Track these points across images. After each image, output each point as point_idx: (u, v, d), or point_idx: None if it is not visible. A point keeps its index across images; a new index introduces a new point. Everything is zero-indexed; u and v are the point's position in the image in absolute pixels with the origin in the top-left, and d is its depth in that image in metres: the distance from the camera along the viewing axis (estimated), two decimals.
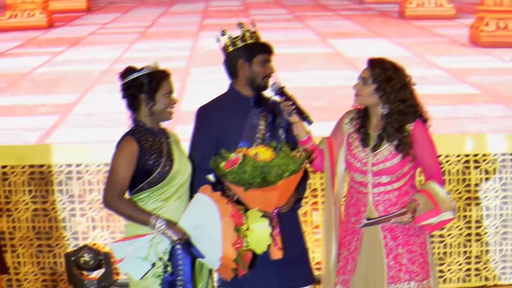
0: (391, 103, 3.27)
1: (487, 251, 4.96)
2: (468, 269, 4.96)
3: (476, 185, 4.86)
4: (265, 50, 3.38)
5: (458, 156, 4.83)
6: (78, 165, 4.86)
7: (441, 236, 4.92)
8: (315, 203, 4.92)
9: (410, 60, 7.78)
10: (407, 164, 3.30)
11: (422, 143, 3.29)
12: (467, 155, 4.83)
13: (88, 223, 4.95)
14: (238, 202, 3.19)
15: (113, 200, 3.16)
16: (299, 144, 3.34)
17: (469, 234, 4.92)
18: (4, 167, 4.89)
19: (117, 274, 4.87)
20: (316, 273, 3.55)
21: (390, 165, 3.28)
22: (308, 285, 3.47)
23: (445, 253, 4.95)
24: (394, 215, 3.24)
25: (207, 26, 9.34)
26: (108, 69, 7.91)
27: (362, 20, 9.54)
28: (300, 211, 3.48)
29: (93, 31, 9.80)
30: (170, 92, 3.25)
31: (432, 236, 3.60)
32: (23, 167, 4.89)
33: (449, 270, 4.92)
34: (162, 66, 3.28)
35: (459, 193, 4.91)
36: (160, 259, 3.15)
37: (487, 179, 4.87)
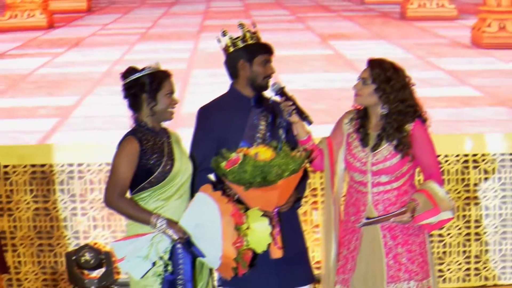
0: (390, 103, 3.32)
1: (486, 251, 5.00)
2: (468, 269, 5.00)
3: (475, 185, 4.91)
4: (266, 50, 3.43)
5: (457, 156, 4.88)
6: (79, 165, 4.91)
7: (440, 235, 4.95)
8: (314, 202, 4.96)
9: (411, 62, 7.79)
10: (406, 164, 3.34)
11: (421, 143, 3.34)
12: (466, 155, 4.88)
13: (89, 222, 4.99)
14: (239, 201, 3.23)
15: (114, 199, 3.20)
16: (299, 144, 3.38)
17: (468, 234, 4.96)
18: (5, 166, 4.93)
19: (118, 273, 4.91)
20: (316, 272, 3.58)
21: (390, 164, 3.33)
22: (308, 284, 3.50)
23: (444, 252, 4.99)
24: (394, 215, 3.28)
25: (208, 27, 9.36)
26: (109, 70, 7.93)
27: (363, 21, 9.54)
28: (300, 210, 3.52)
29: (93, 32, 9.80)
30: (171, 92, 3.30)
31: (431, 235, 3.63)
32: (25, 166, 4.93)
33: (448, 269, 4.96)
34: (162, 68, 3.33)
35: (458, 192, 4.95)
36: (161, 258, 3.18)
37: (486, 179, 4.91)
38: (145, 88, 3.25)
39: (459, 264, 4.97)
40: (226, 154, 3.23)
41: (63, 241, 5.02)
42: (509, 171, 4.93)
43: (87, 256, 4.75)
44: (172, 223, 3.18)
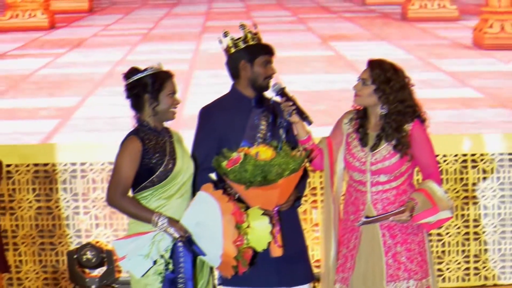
0: (390, 104, 3.36)
1: (485, 250, 5.04)
2: (467, 268, 5.04)
3: (474, 184, 4.96)
4: (267, 51, 3.48)
5: (456, 155, 4.92)
6: (82, 164, 4.95)
7: (439, 235, 5.00)
8: (314, 201, 5.00)
9: (412, 63, 7.79)
10: (405, 164, 3.39)
11: (420, 143, 3.38)
12: (464, 155, 4.92)
13: (91, 221, 5.03)
14: (239, 200, 3.28)
15: (116, 198, 3.25)
16: (299, 144, 3.43)
17: (467, 233, 5.00)
18: (8, 165, 4.97)
19: (119, 272, 4.95)
20: (315, 270, 3.62)
21: (389, 164, 3.37)
22: (308, 283, 3.54)
23: (443, 251, 5.03)
24: (393, 214, 3.32)
25: (209, 28, 9.38)
26: (110, 71, 7.94)
27: (364, 22, 9.54)
28: (300, 209, 3.56)
29: (95, 32, 9.80)
30: (174, 92, 3.34)
31: (430, 234, 3.67)
32: (28, 165, 4.98)
33: (448, 269, 5.00)
34: (165, 68, 3.37)
35: (457, 192, 4.99)
36: (162, 256, 3.22)
37: (484, 178, 4.96)
38: (147, 88, 3.30)
39: (458, 263, 5.01)
40: (227, 154, 3.28)
41: (65, 240, 5.07)
42: (507, 171, 4.97)
43: (89, 254, 4.79)
44: (173, 222, 3.22)
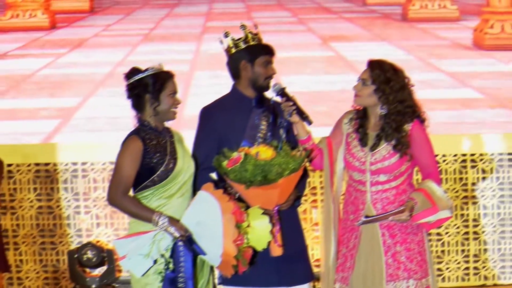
0: (389, 104, 3.39)
1: (485, 250, 5.06)
2: (467, 268, 5.06)
3: (473, 184, 4.98)
4: (267, 51, 3.50)
5: (455, 155, 4.94)
6: (83, 163, 4.98)
7: (438, 234, 5.02)
8: (314, 201, 5.03)
9: (412, 64, 7.80)
10: (405, 163, 3.41)
11: (420, 143, 3.40)
12: (464, 155, 4.94)
13: (92, 220, 5.06)
14: (240, 199, 3.30)
15: (117, 197, 3.27)
16: (299, 144, 3.46)
17: (466, 233, 5.02)
18: (9, 165, 4.99)
19: (120, 271, 4.98)
20: (315, 270, 3.64)
21: (388, 164, 3.40)
22: (308, 282, 3.55)
23: (443, 251, 5.05)
24: (392, 213, 3.34)
25: (210, 29, 9.39)
26: (111, 72, 7.95)
27: (365, 23, 9.55)
28: (300, 209, 3.58)
29: (96, 33, 9.81)
30: (174, 92, 3.37)
31: (429, 234, 3.69)
32: (29, 165, 5.00)
33: (447, 268, 5.02)
34: (165, 69, 3.39)
35: (456, 192, 5.02)
36: (162, 256, 3.24)
37: (484, 178, 4.98)
38: (148, 88, 3.32)
39: (458, 263, 5.03)
40: (228, 153, 3.30)
41: (65, 239, 5.09)
42: (507, 171, 4.99)
43: (89, 254, 4.80)
44: (173, 221, 3.24)
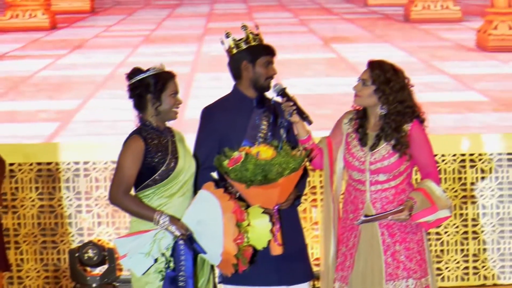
0: (389, 104, 3.45)
1: (484, 250, 5.12)
2: (466, 268, 5.12)
3: (472, 184, 5.04)
4: (268, 52, 3.57)
5: (454, 155, 5.01)
6: (85, 163, 5.04)
7: (438, 233, 5.08)
8: (314, 200, 5.09)
9: (414, 66, 7.77)
10: (404, 163, 3.47)
11: (419, 143, 3.46)
12: (463, 155, 5.01)
13: (93, 219, 5.12)
14: (240, 198, 3.36)
15: (118, 196, 3.33)
16: (299, 143, 3.52)
17: (465, 232, 5.08)
18: (11, 164, 5.06)
19: (120, 270, 5.03)
20: (315, 269, 3.70)
21: (388, 164, 3.46)
22: (307, 281, 3.61)
23: (442, 250, 5.10)
24: (391, 213, 3.40)
25: (211, 30, 9.39)
26: (112, 73, 7.95)
27: (366, 24, 9.53)
28: (300, 208, 3.64)
29: (97, 33, 9.78)
30: (176, 92, 3.43)
31: (429, 233, 3.73)
32: (31, 164, 5.06)
33: (447, 268, 5.07)
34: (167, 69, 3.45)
35: (455, 191, 5.08)
36: (163, 254, 3.29)
37: (483, 178, 5.05)
38: (150, 88, 3.38)
39: (457, 262, 5.08)
40: (229, 153, 3.37)
41: (67, 238, 5.14)
42: (506, 171, 5.05)
43: (90, 253, 4.85)
44: (174, 220, 3.29)
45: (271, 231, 3.34)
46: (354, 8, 10.06)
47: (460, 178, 5.08)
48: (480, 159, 5.04)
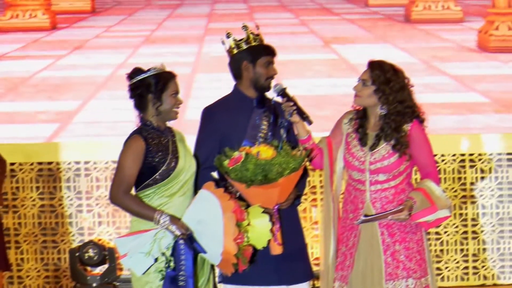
0: (389, 104, 3.47)
1: (484, 250, 5.14)
2: (466, 267, 5.14)
3: (472, 184, 5.07)
4: (269, 52, 3.60)
5: (454, 155, 5.03)
6: (86, 162, 5.06)
7: (437, 233, 5.10)
8: (314, 199, 5.12)
9: (415, 67, 7.78)
10: (404, 163, 3.50)
11: (419, 143, 3.49)
12: (462, 155, 5.03)
13: (94, 219, 5.15)
14: (240, 198, 3.39)
15: (119, 196, 3.36)
16: (299, 143, 3.54)
17: (465, 232, 5.11)
18: (12, 164, 5.09)
19: (121, 269, 5.06)
20: (314, 268, 3.72)
21: (387, 163, 3.48)
22: (307, 281, 3.64)
23: (442, 250, 5.12)
24: (391, 212, 3.42)
25: (212, 30, 9.40)
26: (112, 74, 7.95)
27: (367, 24, 9.53)
28: (300, 208, 3.66)
29: (97, 34, 9.79)
30: (176, 92, 3.46)
31: (428, 233, 3.73)
32: (32, 164, 5.09)
33: (446, 267, 5.10)
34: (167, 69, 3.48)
35: (455, 191, 5.10)
36: (163, 254, 3.31)
37: (482, 178, 5.08)
38: (151, 88, 3.41)
39: (457, 262, 5.10)
40: (229, 153, 3.39)
41: (67, 238, 5.16)
42: (505, 171, 5.08)
43: (91, 252, 4.86)
44: (175, 219, 3.32)
45: (271, 230, 3.36)
46: (355, 9, 10.06)
47: (459, 178, 5.10)
48: (479, 159, 5.06)
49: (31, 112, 6.80)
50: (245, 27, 3.61)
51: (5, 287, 5.08)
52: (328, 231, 3.56)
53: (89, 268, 5.06)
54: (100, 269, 5.06)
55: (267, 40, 3.64)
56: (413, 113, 3.51)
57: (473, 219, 5.12)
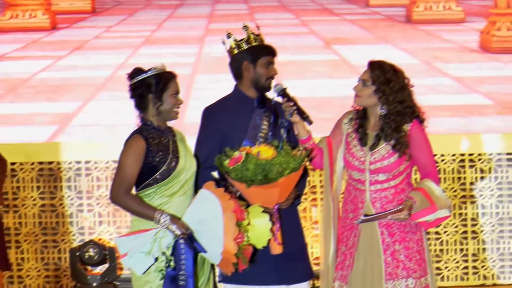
0: (389, 104, 3.50)
1: (484, 249, 5.16)
2: (466, 267, 5.17)
3: (472, 183, 5.10)
4: (269, 52, 3.64)
5: (454, 155, 5.06)
6: (87, 162, 5.09)
7: (437, 233, 5.12)
8: (314, 199, 5.14)
9: (416, 68, 7.78)
10: (404, 163, 3.52)
11: (419, 142, 3.52)
12: (462, 154, 5.06)
13: (94, 218, 5.18)
14: (240, 198, 3.42)
15: (120, 195, 3.38)
16: (299, 143, 3.57)
17: (465, 232, 5.13)
18: (13, 163, 5.12)
19: (121, 269, 5.09)
20: (314, 268, 3.74)
21: (387, 163, 3.51)
22: (307, 281, 3.66)
23: (441, 250, 5.15)
24: (391, 212, 3.45)
25: (212, 31, 9.41)
26: (112, 75, 7.97)
27: (368, 25, 9.52)
28: (300, 207, 3.69)
29: (97, 34, 9.78)
30: (177, 92, 3.49)
31: (428, 233, 3.76)
32: (32, 163, 5.12)
33: (446, 267, 5.12)
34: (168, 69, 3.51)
35: (455, 191, 5.13)
36: (163, 253, 3.34)
37: (482, 178, 5.11)
38: (151, 88, 3.44)
39: (457, 262, 5.13)
40: (229, 153, 3.42)
41: (67, 237, 5.19)
42: (505, 171, 5.11)
43: (91, 252, 4.89)
44: (175, 219, 3.34)
45: (271, 230, 3.39)
46: (355, 9, 10.05)
47: (459, 178, 5.12)
48: (479, 159, 5.09)
49: (29, 114, 6.81)
50: (245, 27, 3.64)
51: (5, 287, 5.11)
52: (328, 231, 3.59)
53: (89, 268, 5.09)
54: (100, 269, 5.09)
55: (267, 41, 3.66)
56: (413, 113, 3.54)
57: (472, 219, 5.15)
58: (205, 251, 3.36)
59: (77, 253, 4.99)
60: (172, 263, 3.33)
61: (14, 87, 7.75)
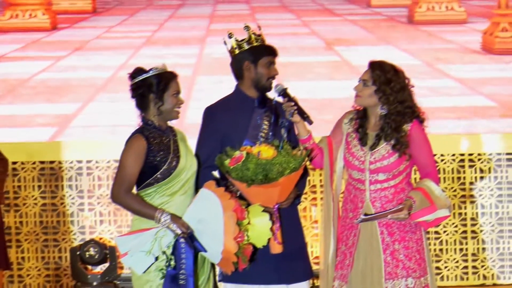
0: (390, 104, 3.54)
1: (483, 249, 5.20)
2: (465, 267, 5.20)
3: (471, 183, 5.13)
4: (270, 52, 3.68)
5: (453, 155, 5.10)
6: (88, 161, 5.13)
7: (436, 233, 5.15)
8: (314, 199, 5.17)
9: (418, 69, 7.79)
10: (403, 163, 3.56)
11: (419, 142, 3.55)
12: (462, 154, 5.09)
13: (95, 217, 5.22)
14: (241, 197, 3.45)
15: (120, 194, 3.42)
16: (299, 143, 3.61)
17: (464, 232, 5.16)
18: (14, 163, 5.16)
19: (121, 268, 5.12)
20: (314, 267, 3.77)
21: (387, 163, 3.55)
22: (307, 280, 3.69)
23: (441, 250, 5.17)
24: (391, 212, 3.48)
25: (213, 31, 9.42)
26: (112, 76, 7.98)
27: (370, 25, 9.51)
28: (300, 207, 3.73)
29: (98, 34, 9.78)
30: (178, 92, 3.52)
31: (428, 232, 3.77)
32: (34, 163, 5.16)
33: (446, 267, 5.16)
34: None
35: (454, 191, 5.16)
36: (164, 253, 3.36)
37: (482, 178, 5.14)
38: (152, 88, 3.48)
39: (457, 262, 5.16)
40: (230, 152, 3.46)
41: (68, 236, 5.22)
42: (505, 171, 5.14)
43: (92, 251, 4.92)
44: (175, 218, 3.37)
45: (271, 229, 3.42)
46: (357, 10, 10.04)
47: (459, 178, 5.15)
48: (479, 159, 5.13)
49: (29, 115, 6.80)
50: (247, 28, 3.67)
51: (5, 286, 5.15)
52: (328, 230, 3.61)
53: (90, 267, 5.11)
54: (100, 268, 5.11)
55: (268, 41, 3.69)
56: (413, 113, 3.58)
57: (472, 219, 5.18)
58: (205, 250, 3.39)
59: (78, 252, 5.02)
60: (172, 262, 3.36)
61: (14, 88, 7.75)
